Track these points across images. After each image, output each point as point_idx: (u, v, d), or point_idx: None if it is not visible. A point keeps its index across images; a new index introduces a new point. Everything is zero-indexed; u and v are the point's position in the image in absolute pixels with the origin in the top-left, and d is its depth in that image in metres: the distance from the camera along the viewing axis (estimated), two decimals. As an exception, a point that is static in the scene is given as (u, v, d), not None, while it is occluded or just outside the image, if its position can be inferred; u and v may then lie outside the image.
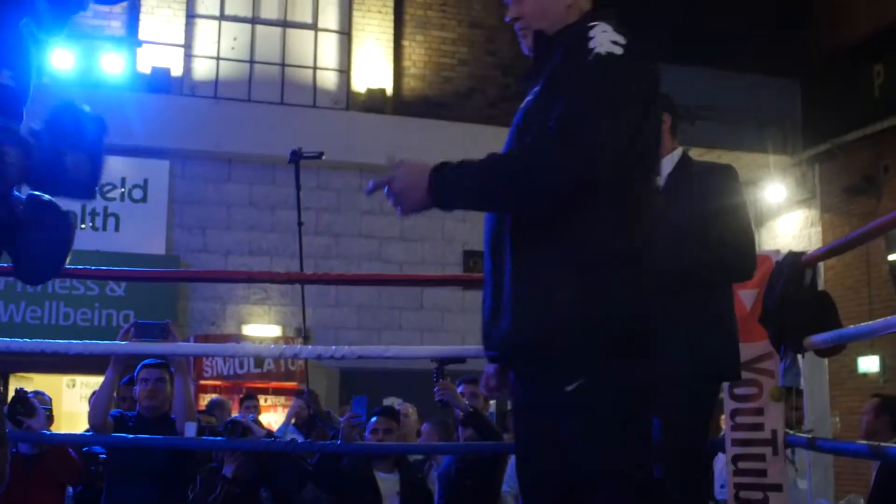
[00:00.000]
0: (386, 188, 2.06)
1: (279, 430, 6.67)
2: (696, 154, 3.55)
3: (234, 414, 6.85)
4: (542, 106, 2.08)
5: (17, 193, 1.89)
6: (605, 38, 2.04)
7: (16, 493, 4.33)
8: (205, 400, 8.13)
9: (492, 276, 2.14)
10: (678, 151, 3.20)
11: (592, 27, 2.07)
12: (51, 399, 5.25)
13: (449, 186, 2.01)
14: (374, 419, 4.76)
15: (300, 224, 5.84)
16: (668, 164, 3.14)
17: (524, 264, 2.05)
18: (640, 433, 2.10)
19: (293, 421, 6.62)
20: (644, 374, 2.07)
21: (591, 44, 2.03)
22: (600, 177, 1.97)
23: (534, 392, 2.10)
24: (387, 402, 6.27)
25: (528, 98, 2.18)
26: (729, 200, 3.06)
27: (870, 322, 3.27)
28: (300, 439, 5.94)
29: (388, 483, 4.64)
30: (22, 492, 4.34)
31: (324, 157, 6.05)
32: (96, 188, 1.85)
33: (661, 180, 3.10)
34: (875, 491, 4.48)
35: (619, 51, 2.02)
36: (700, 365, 2.94)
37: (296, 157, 5.82)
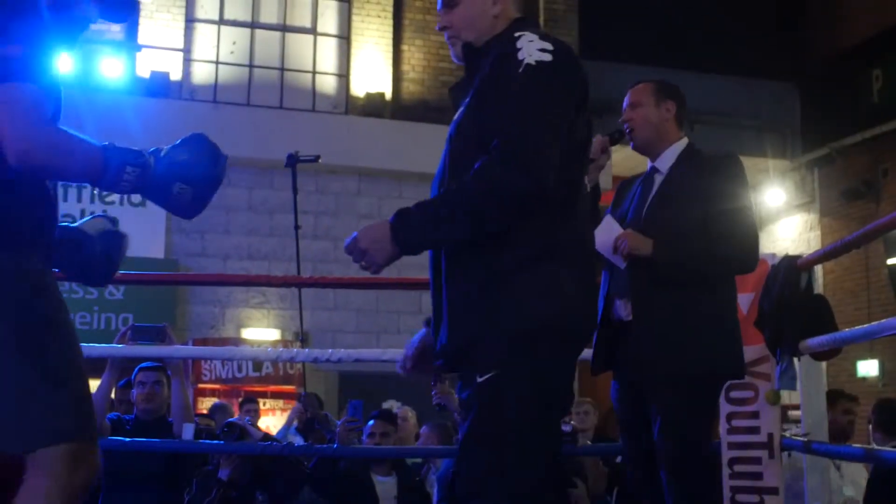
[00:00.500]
0: (353, 254, 2.10)
1: (279, 432, 6.67)
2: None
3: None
4: (473, 117, 2.14)
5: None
6: (532, 48, 2.08)
7: (13, 495, 4.34)
8: (203, 403, 8.13)
9: (433, 290, 2.22)
10: (683, 141, 3.12)
11: (519, 37, 2.12)
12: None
13: (412, 229, 2.06)
14: (371, 423, 4.76)
15: (297, 228, 5.85)
16: (672, 153, 3.09)
17: (455, 272, 2.13)
18: (552, 435, 2.14)
19: (295, 424, 6.62)
20: (559, 372, 2.11)
21: (521, 55, 2.08)
22: (550, 188, 2.03)
23: (465, 396, 2.14)
24: (386, 405, 6.28)
25: (461, 109, 2.22)
26: (732, 190, 2.99)
27: (865, 325, 3.27)
28: (301, 442, 5.94)
29: (385, 486, 4.64)
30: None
31: (323, 162, 6.05)
32: (192, 216, 2.05)
33: (663, 169, 3.10)
34: (868, 494, 4.49)
35: (547, 57, 2.07)
36: (701, 363, 2.90)
37: (292, 160, 5.83)
